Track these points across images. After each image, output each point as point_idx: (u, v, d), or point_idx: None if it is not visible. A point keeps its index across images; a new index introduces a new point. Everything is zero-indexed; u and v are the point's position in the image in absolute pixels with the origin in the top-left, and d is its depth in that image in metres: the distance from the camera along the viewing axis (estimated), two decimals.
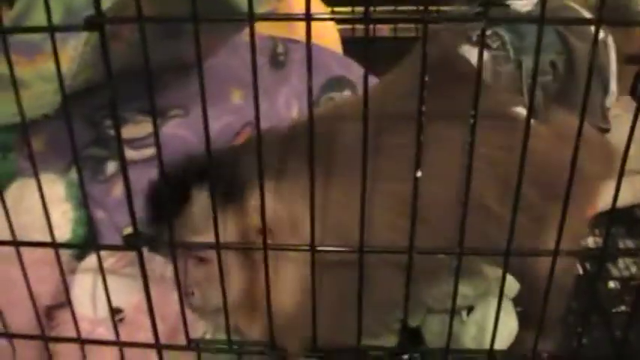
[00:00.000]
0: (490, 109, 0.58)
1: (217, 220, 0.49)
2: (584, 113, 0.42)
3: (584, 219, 0.78)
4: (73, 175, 0.81)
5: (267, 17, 0.58)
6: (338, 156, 0.63)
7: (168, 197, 0.55)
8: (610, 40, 0.77)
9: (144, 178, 0.64)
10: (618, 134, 0.76)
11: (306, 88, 0.42)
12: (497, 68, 0.76)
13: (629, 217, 1.10)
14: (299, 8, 0.40)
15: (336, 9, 1.40)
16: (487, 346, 0.57)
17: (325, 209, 0.58)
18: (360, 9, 0.40)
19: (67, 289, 0.60)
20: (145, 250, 0.53)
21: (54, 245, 0.55)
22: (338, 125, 0.65)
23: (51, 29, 0.45)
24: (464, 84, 0.47)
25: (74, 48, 0.73)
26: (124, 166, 0.49)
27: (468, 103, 0.43)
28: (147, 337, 0.60)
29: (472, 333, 0.79)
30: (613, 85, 0.77)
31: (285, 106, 1.08)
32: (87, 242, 0.79)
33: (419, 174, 0.44)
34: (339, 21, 1.28)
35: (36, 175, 0.53)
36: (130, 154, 0.87)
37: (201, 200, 0.62)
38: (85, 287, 0.68)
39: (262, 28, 1.10)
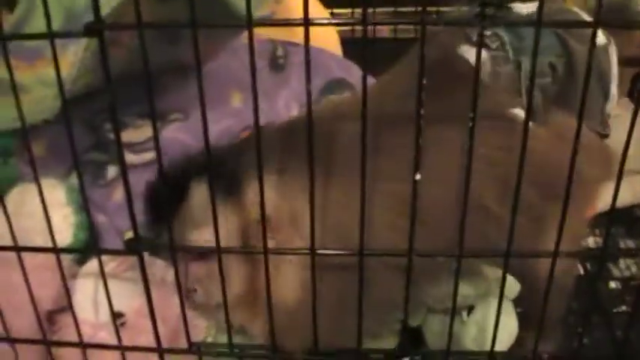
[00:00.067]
0: (488, 110, 0.58)
1: (217, 222, 0.49)
2: (581, 115, 0.42)
3: (583, 220, 0.78)
4: (74, 179, 0.81)
5: (265, 23, 0.58)
6: (337, 155, 0.63)
7: (166, 197, 0.55)
8: (612, 46, 0.77)
9: (144, 182, 0.64)
10: (618, 134, 0.76)
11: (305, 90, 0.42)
12: (497, 69, 0.76)
13: (629, 217, 1.10)
14: (298, 10, 0.40)
15: (335, 10, 1.40)
16: (487, 346, 0.57)
17: (325, 208, 0.58)
18: (359, 10, 0.40)
19: (68, 294, 0.60)
20: (146, 255, 0.53)
21: (55, 250, 0.56)
22: (337, 124, 0.65)
23: (51, 36, 0.45)
24: (463, 84, 0.48)
25: (74, 53, 0.73)
26: (124, 170, 0.49)
27: (467, 104, 0.43)
28: (148, 340, 0.60)
29: (472, 333, 0.79)
30: (614, 91, 0.77)
31: (285, 109, 1.08)
32: (88, 247, 0.79)
33: (418, 177, 0.44)
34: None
35: (37, 180, 0.53)
36: (130, 158, 0.87)
37: (200, 193, 0.62)
38: (86, 292, 0.68)
39: (262, 31, 1.10)
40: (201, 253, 0.64)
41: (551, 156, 0.66)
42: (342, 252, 0.51)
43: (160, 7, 0.80)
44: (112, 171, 0.89)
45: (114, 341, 0.60)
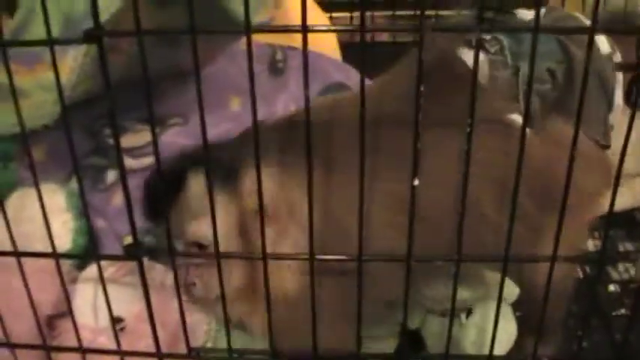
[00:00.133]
0: (486, 114, 0.58)
1: (216, 229, 0.49)
2: (578, 123, 0.42)
3: (581, 229, 0.77)
4: (74, 184, 0.82)
5: (264, 29, 0.59)
6: (336, 150, 0.63)
7: (164, 191, 0.55)
8: (617, 55, 0.77)
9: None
10: (617, 142, 0.76)
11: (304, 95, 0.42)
12: (494, 73, 0.76)
13: (629, 220, 1.10)
14: (297, 15, 0.40)
15: (334, 14, 1.40)
16: (486, 350, 0.57)
17: (324, 203, 0.58)
18: (358, 14, 0.40)
19: (68, 299, 0.60)
20: (145, 259, 0.53)
21: (55, 255, 0.56)
22: (336, 122, 0.65)
23: (50, 42, 0.45)
24: (461, 86, 0.48)
25: (74, 59, 0.74)
26: (123, 175, 0.49)
27: (465, 106, 0.43)
28: (148, 345, 0.60)
29: (471, 336, 0.79)
30: (619, 101, 0.77)
31: (284, 113, 1.08)
32: (87, 252, 0.79)
33: (416, 182, 0.44)
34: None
35: (36, 185, 0.53)
36: (129, 162, 0.87)
37: (197, 184, 0.62)
38: (86, 297, 0.68)
39: (261, 36, 1.10)
40: (201, 246, 0.65)
41: (548, 163, 0.66)
42: (341, 257, 0.51)
43: (159, 12, 0.80)
44: (112, 176, 0.89)
45: (113, 346, 0.60)
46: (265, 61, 1.14)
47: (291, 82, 1.13)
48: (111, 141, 0.90)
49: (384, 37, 1.49)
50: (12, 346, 0.63)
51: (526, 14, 0.80)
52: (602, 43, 0.77)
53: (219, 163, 0.62)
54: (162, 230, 0.51)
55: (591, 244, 1.02)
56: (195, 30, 0.40)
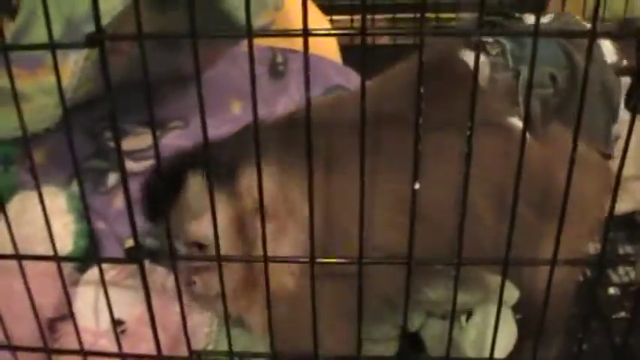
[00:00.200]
0: (485, 116, 0.58)
1: (217, 231, 0.49)
2: (578, 127, 0.42)
3: (582, 235, 0.77)
4: (75, 187, 0.82)
5: (265, 34, 0.59)
6: (335, 152, 0.63)
7: (163, 191, 0.55)
8: (623, 64, 0.77)
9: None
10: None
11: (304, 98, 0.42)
12: (495, 75, 0.76)
13: (629, 223, 1.10)
14: (297, 18, 0.40)
15: (335, 17, 1.40)
16: (486, 352, 0.57)
17: (324, 201, 0.58)
18: (359, 17, 0.40)
19: (69, 301, 0.60)
20: (146, 262, 0.53)
21: (56, 258, 0.56)
22: (335, 122, 0.65)
23: (52, 46, 0.45)
24: (461, 86, 0.48)
25: (75, 62, 0.74)
26: (124, 177, 0.49)
27: (465, 107, 0.43)
28: (149, 348, 0.60)
29: (471, 339, 0.79)
30: (623, 112, 0.77)
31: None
32: (88, 255, 0.79)
33: (417, 186, 0.44)
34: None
35: (37, 188, 0.53)
36: (130, 165, 0.87)
37: (196, 184, 0.62)
38: (87, 299, 0.68)
39: (261, 39, 1.10)
40: (200, 246, 0.65)
41: (547, 168, 0.66)
42: (342, 261, 0.51)
43: (160, 16, 0.80)
44: (113, 178, 0.90)
45: (114, 349, 0.60)
46: (266, 63, 1.14)
47: (291, 85, 1.13)
48: (112, 144, 0.90)
49: (385, 39, 1.49)
50: (13, 348, 0.63)
51: (532, 19, 0.80)
52: (608, 51, 0.77)
53: (217, 163, 0.62)
54: (163, 231, 0.51)
55: (591, 247, 1.02)
56: (196, 34, 0.41)
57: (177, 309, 0.56)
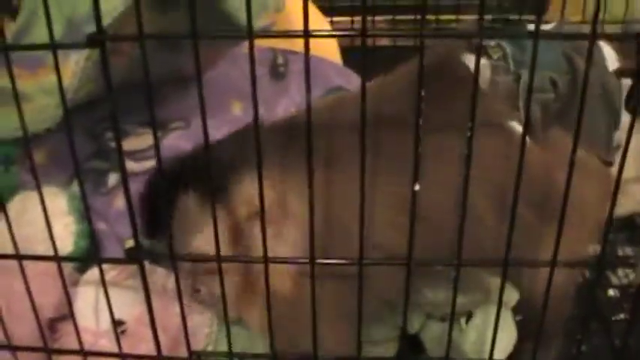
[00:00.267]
0: (485, 118, 0.58)
1: (217, 231, 0.49)
2: (578, 130, 0.42)
3: (582, 239, 0.77)
4: (75, 187, 0.82)
5: (266, 35, 0.59)
6: (335, 153, 0.63)
7: (164, 204, 0.55)
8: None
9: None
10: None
11: (305, 99, 0.42)
12: (496, 78, 0.76)
13: (629, 224, 1.10)
14: (298, 19, 0.40)
15: (335, 19, 1.41)
16: (486, 354, 0.57)
17: (322, 204, 0.58)
18: (359, 18, 0.40)
19: (69, 302, 0.60)
20: (147, 263, 0.53)
21: (56, 258, 0.56)
22: (335, 123, 0.65)
23: (53, 46, 0.45)
24: (461, 88, 0.48)
25: (76, 62, 0.74)
26: (125, 178, 0.49)
27: (466, 110, 0.43)
28: (149, 348, 0.60)
29: (471, 341, 0.79)
30: (625, 119, 0.77)
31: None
32: (89, 255, 0.79)
33: (417, 187, 0.44)
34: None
35: (38, 188, 0.53)
36: (131, 166, 0.88)
37: (189, 202, 0.62)
38: (87, 300, 0.68)
39: (262, 40, 1.11)
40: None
41: (547, 172, 0.66)
42: (342, 262, 0.51)
43: (161, 17, 0.80)
44: (113, 179, 0.90)
45: (114, 349, 0.60)
46: (267, 65, 1.14)
47: (292, 87, 1.13)
48: (112, 144, 0.90)
49: (385, 41, 1.49)
50: (13, 348, 0.63)
51: (533, 26, 0.81)
52: (611, 58, 0.77)
53: (207, 178, 0.62)
54: (163, 248, 0.51)
55: (591, 249, 1.02)
56: (197, 35, 0.41)
57: (178, 310, 0.56)
